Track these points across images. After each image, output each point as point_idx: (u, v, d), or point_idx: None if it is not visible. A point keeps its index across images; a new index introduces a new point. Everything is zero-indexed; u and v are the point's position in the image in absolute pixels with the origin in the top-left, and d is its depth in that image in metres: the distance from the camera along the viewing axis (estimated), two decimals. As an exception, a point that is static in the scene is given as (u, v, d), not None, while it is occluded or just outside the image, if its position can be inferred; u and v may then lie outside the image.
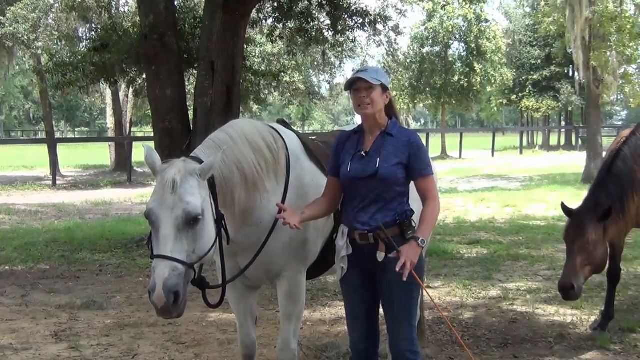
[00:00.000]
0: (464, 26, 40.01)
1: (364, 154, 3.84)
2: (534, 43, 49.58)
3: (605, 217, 5.53)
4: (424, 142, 28.56)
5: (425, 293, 4.22)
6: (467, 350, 4.47)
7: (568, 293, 5.50)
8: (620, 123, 70.38)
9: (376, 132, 3.86)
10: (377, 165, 3.75)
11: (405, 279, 3.58)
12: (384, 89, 3.82)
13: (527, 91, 48.92)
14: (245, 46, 12.10)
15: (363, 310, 3.93)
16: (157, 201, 3.50)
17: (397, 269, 3.56)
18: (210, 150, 3.87)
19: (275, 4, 12.70)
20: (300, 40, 13.83)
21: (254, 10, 12.02)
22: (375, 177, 3.75)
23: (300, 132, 4.90)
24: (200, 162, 3.69)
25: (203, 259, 3.62)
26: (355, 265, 3.86)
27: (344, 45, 15.73)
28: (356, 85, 3.80)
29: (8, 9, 22.67)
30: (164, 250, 3.42)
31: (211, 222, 3.64)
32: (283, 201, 4.10)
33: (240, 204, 3.90)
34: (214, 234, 3.66)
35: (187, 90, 12.13)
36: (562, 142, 51.04)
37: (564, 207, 5.84)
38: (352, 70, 4.18)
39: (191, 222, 3.48)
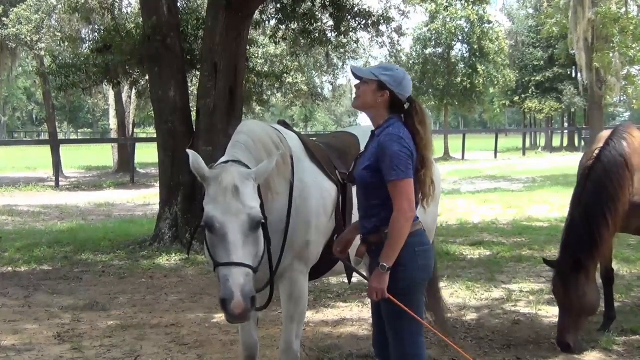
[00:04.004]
0: (466, 27, 39.94)
1: (359, 156, 3.85)
2: (537, 44, 49.57)
3: (576, 269, 5.49)
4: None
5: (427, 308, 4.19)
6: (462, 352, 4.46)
7: (566, 350, 5.57)
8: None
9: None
10: (353, 170, 3.75)
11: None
12: (382, 86, 3.67)
13: (530, 92, 48.89)
14: (248, 47, 12.11)
15: (375, 314, 3.90)
16: (219, 208, 3.48)
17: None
18: (244, 153, 3.88)
19: (279, 5, 12.72)
20: (303, 41, 13.84)
21: (257, 12, 12.04)
22: (355, 182, 3.75)
23: (303, 133, 4.90)
24: (244, 165, 3.70)
25: (260, 263, 3.64)
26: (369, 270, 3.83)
27: (347, 47, 15.74)
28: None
29: (11, 10, 22.72)
30: (236, 257, 3.42)
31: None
32: (289, 202, 4.12)
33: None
34: (263, 237, 3.69)
35: (189, 92, 12.15)
36: (565, 143, 50.94)
37: (546, 262, 5.89)
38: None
39: (255, 226, 3.51)
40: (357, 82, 3.77)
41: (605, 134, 6.16)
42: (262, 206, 3.73)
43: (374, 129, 3.77)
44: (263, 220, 3.59)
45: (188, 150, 3.72)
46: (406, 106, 3.72)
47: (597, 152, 5.87)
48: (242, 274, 3.39)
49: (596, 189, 5.66)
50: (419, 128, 3.64)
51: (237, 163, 3.74)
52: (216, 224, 3.46)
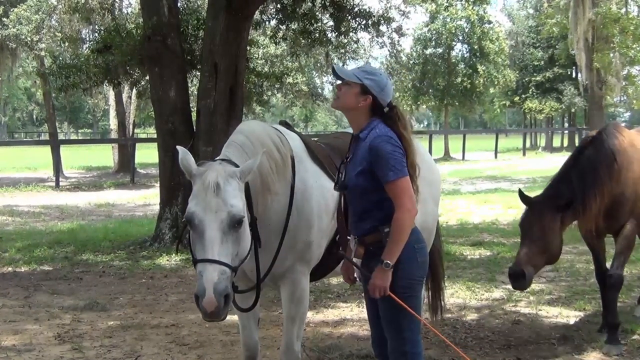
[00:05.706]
0: (467, 27, 39.98)
1: (344, 162, 3.83)
2: (537, 44, 49.60)
3: (565, 208, 5.41)
4: (427, 144, 28.32)
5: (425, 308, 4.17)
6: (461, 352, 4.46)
7: (519, 280, 5.34)
8: (623, 124, 70.11)
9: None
10: (344, 177, 3.74)
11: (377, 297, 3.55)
12: (365, 91, 3.65)
13: (530, 93, 48.92)
14: (248, 48, 12.11)
15: (372, 314, 3.87)
16: (200, 204, 3.47)
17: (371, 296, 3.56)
18: (237, 152, 3.88)
19: (279, 6, 12.73)
20: (303, 41, 13.85)
21: (257, 12, 12.04)
22: (347, 189, 3.74)
23: (303, 133, 4.90)
24: (234, 164, 3.69)
25: (242, 263, 3.62)
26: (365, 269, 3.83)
27: (347, 47, 15.75)
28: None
29: (11, 10, 22.74)
30: (211, 253, 3.39)
31: (247, 225, 3.64)
32: (290, 203, 4.11)
33: (259, 206, 3.91)
34: (250, 237, 3.67)
35: (190, 92, 12.15)
36: (565, 143, 50.93)
37: (522, 195, 5.67)
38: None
39: (235, 225, 3.47)
40: (340, 82, 3.78)
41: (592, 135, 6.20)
42: (250, 205, 3.72)
43: (354, 132, 3.77)
44: (245, 219, 3.56)
45: (178, 147, 3.73)
46: (385, 110, 3.70)
47: (589, 139, 5.91)
48: (216, 272, 3.36)
49: (590, 163, 5.65)
50: (404, 133, 3.64)
51: (227, 162, 3.74)
52: (195, 220, 3.46)
